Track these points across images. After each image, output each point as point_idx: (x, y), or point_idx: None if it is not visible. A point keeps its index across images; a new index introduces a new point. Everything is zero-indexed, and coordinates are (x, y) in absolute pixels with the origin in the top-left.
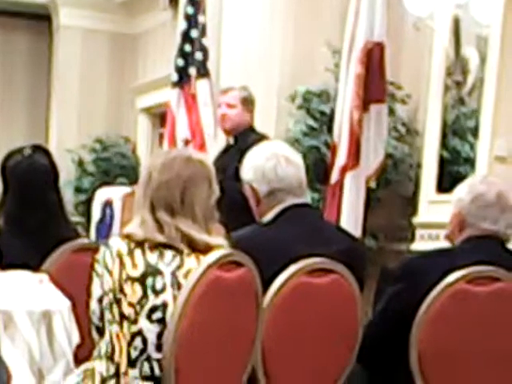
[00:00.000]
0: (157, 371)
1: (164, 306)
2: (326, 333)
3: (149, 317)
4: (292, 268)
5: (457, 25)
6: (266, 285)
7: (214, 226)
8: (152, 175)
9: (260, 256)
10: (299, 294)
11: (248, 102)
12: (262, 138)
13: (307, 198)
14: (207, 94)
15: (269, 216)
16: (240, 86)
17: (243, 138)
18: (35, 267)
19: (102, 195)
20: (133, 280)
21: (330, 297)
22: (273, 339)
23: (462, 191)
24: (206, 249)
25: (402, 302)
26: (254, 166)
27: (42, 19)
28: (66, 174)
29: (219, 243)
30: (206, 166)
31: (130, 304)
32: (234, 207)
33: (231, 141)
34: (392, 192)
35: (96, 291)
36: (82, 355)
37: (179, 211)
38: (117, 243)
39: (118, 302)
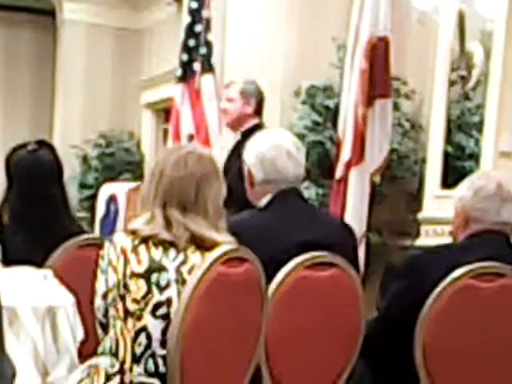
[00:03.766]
0: (161, 367)
1: (168, 302)
2: (328, 326)
3: (153, 313)
4: (292, 262)
5: (461, 19)
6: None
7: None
8: (164, 172)
9: (251, 239)
10: (300, 289)
11: (248, 95)
12: None
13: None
14: (211, 89)
15: (263, 201)
16: (245, 79)
17: (250, 136)
18: (39, 263)
19: (106, 191)
20: (137, 276)
21: (331, 290)
22: (275, 333)
23: (463, 189)
24: (213, 245)
25: (406, 298)
26: (255, 152)
27: (47, 14)
28: (71, 169)
29: (226, 240)
30: (216, 163)
31: (135, 300)
32: (239, 206)
33: (239, 136)
34: (396, 187)
35: (100, 287)
36: (86, 351)
37: (192, 208)
38: (121, 239)
39: (122, 298)
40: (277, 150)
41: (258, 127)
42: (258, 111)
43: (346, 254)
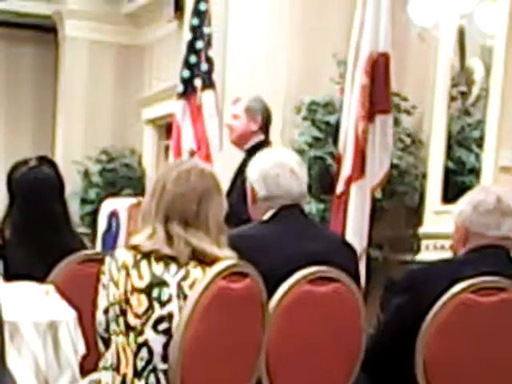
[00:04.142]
0: (163, 382)
1: (170, 316)
2: (329, 341)
3: (155, 328)
4: (294, 277)
5: (462, 35)
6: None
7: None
8: (166, 187)
9: (252, 250)
10: (302, 303)
11: (253, 112)
12: None
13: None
14: (212, 105)
15: (265, 216)
16: (251, 96)
17: (254, 153)
18: (41, 278)
19: (107, 206)
20: (139, 291)
21: (332, 306)
22: (276, 348)
23: (462, 204)
24: (214, 260)
25: (406, 313)
26: (258, 169)
27: (48, 31)
28: (72, 185)
29: (227, 255)
30: (217, 179)
31: (136, 315)
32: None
33: (244, 153)
34: (397, 202)
35: (102, 302)
36: (87, 366)
37: (193, 223)
38: (122, 254)
39: (123, 313)
40: (280, 168)
41: (263, 144)
42: (264, 128)
43: (347, 270)
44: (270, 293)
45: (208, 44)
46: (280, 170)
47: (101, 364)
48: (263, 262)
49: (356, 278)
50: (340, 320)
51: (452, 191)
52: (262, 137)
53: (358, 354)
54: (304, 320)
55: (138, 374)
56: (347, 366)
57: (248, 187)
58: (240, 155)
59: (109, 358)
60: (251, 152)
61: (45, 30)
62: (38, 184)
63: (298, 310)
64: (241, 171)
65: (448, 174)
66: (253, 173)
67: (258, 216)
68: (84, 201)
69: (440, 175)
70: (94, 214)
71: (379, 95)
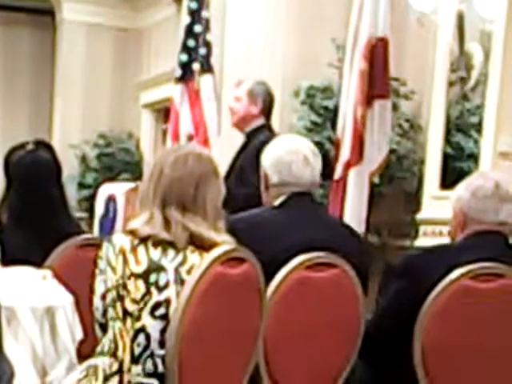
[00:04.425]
0: (160, 367)
1: (167, 302)
2: (327, 328)
3: (152, 313)
4: (292, 263)
5: (461, 20)
6: (267, 268)
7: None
8: (163, 171)
9: (258, 236)
10: (300, 289)
11: (255, 96)
12: (272, 137)
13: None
14: (211, 89)
15: (277, 201)
16: (255, 79)
17: (254, 137)
18: (38, 263)
19: (105, 191)
20: (136, 276)
21: (331, 291)
22: (274, 333)
23: (461, 189)
24: (211, 246)
25: (405, 298)
26: (272, 155)
27: (46, 14)
28: (70, 169)
29: (224, 240)
30: (215, 163)
31: (133, 300)
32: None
33: (245, 138)
34: (395, 188)
35: (99, 288)
36: (85, 351)
37: (190, 208)
38: (120, 239)
39: (121, 298)
40: (294, 155)
41: (263, 128)
42: (266, 112)
43: (354, 258)
44: (271, 279)
45: (206, 28)
46: (294, 157)
47: (98, 349)
48: (265, 248)
49: (366, 266)
50: (338, 306)
51: (450, 177)
52: (262, 120)
53: (357, 340)
54: (302, 306)
55: (135, 359)
56: (346, 351)
57: (261, 174)
58: (238, 140)
59: (106, 343)
60: (251, 135)
61: (42, 13)
62: (35, 168)
63: (296, 296)
64: (240, 155)
65: (446, 159)
66: (266, 159)
67: (269, 202)
68: (81, 185)
69: (438, 161)
70: (92, 199)
71: (378, 80)
